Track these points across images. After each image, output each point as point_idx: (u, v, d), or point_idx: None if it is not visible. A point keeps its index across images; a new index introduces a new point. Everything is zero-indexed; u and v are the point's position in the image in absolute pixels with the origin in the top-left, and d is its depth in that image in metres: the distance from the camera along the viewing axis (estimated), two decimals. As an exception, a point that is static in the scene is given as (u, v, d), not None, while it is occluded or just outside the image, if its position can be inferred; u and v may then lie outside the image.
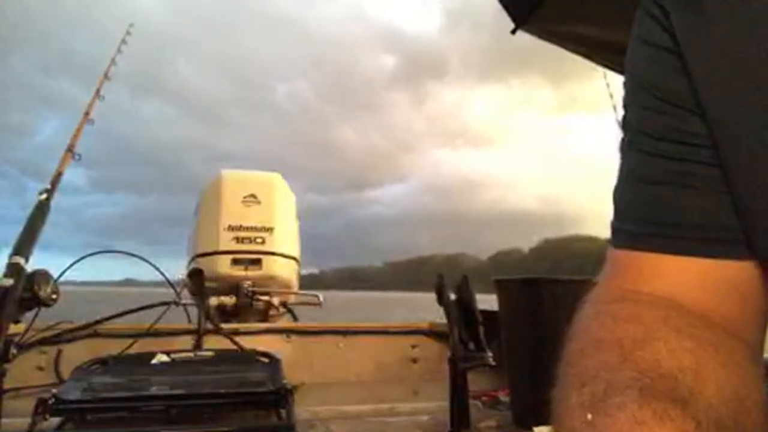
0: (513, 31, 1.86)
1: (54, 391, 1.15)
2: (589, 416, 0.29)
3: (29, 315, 1.42)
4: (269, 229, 2.42)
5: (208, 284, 1.99)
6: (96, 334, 1.76)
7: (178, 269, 2.32)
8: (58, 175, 1.69)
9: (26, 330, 1.53)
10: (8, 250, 1.31)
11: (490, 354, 1.26)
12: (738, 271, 0.37)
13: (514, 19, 1.84)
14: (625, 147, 0.42)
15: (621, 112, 0.43)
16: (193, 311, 1.88)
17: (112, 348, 1.65)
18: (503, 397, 1.57)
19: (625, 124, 0.42)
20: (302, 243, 2.64)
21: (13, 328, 1.22)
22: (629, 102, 0.42)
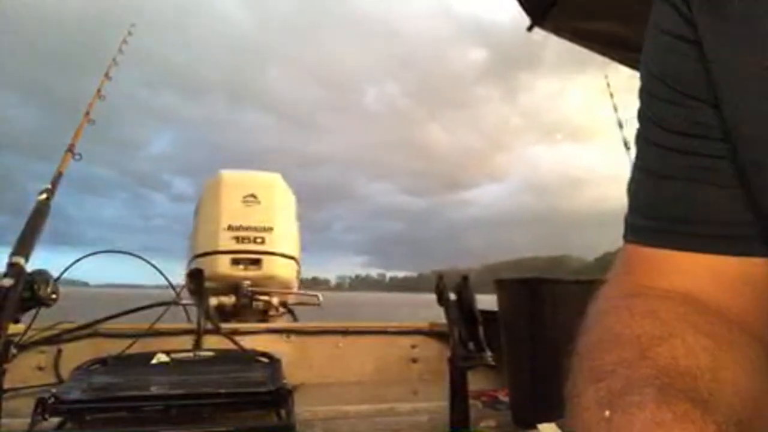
0: (529, 28, 1.85)
1: (54, 391, 1.15)
2: (607, 413, 0.28)
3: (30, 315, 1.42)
4: (269, 229, 2.42)
5: (207, 284, 1.99)
6: (96, 334, 1.75)
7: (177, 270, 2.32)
8: (59, 175, 1.68)
9: (26, 330, 1.53)
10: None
11: (490, 354, 1.25)
12: (751, 267, 0.37)
13: (530, 16, 1.84)
14: (640, 139, 0.41)
15: (621, 112, 0.43)
16: (193, 311, 1.88)
17: (112, 348, 1.65)
18: (503, 397, 1.57)
19: (640, 115, 0.41)
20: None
21: (13, 328, 1.21)
22: (644, 92, 0.41)
